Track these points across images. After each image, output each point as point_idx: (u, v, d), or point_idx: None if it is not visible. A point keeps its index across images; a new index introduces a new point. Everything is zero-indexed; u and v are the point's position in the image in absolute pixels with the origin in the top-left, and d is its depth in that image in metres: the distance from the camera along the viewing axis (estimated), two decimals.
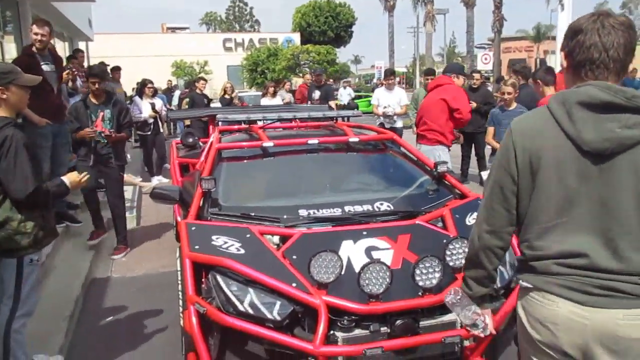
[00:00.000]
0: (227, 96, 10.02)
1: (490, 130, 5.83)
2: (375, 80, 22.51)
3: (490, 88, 22.91)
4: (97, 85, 5.00)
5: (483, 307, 1.94)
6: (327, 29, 38.55)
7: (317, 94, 9.46)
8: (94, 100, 5.08)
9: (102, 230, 5.42)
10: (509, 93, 5.63)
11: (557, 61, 16.77)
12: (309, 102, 9.40)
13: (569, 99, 1.57)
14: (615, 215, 1.53)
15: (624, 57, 1.56)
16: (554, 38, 27.63)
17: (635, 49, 1.64)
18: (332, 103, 9.27)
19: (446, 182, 3.71)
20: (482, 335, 2.04)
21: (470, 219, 3.21)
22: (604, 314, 1.53)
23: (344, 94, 16.51)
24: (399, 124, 8.21)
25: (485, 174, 4.75)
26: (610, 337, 1.53)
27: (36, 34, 4.92)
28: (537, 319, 1.66)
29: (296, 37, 37.20)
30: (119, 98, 10.26)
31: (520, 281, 1.73)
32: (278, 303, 2.55)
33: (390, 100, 8.10)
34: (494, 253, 1.77)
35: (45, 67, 4.99)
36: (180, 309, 3.05)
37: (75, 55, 8.50)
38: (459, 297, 1.91)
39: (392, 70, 9.50)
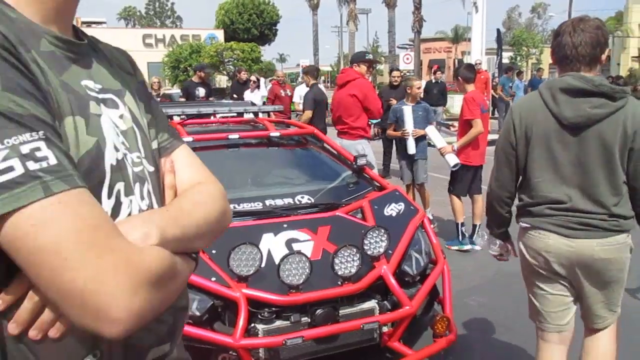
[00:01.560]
0: (153, 93, 9.59)
1: (392, 125, 5.88)
2: (300, 79, 22.70)
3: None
4: None
5: (507, 241, 2.50)
6: (251, 27, 38.22)
7: (201, 92, 9.06)
8: None
9: None
10: (418, 88, 5.79)
11: (472, 61, 17.60)
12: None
13: (554, 86, 2.12)
14: (587, 172, 2.08)
15: (591, 51, 2.07)
16: (470, 40, 29.00)
17: (607, 44, 2.15)
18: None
19: (365, 175, 3.81)
20: (506, 260, 2.57)
21: (388, 210, 3.32)
22: (584, 243, 2.10)
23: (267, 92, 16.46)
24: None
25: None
26: (589, 259, 2.11)
27: None
28: (534, 250, 2.23)
29: (220, 34, 36.57)
30: None
31: (521, 223, 2.30)
32: (197, 298, 2.51)
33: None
34: (503, 201, 2.34)
35: None
36: None
37: None
38: (486, 238, 2.49)
39: (312, 67, 9.32)
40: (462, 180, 5.11)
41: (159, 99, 9.85)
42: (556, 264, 2.17)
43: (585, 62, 2.09)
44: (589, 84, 2.04)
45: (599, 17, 2.29)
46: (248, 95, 9.81)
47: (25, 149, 0.65)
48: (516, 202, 2.36)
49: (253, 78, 10.14)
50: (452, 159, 4.95)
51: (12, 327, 0.71)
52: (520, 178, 2.29)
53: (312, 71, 7.86)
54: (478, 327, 3.48)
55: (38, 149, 0.66)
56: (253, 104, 6.10)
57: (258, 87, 9.86)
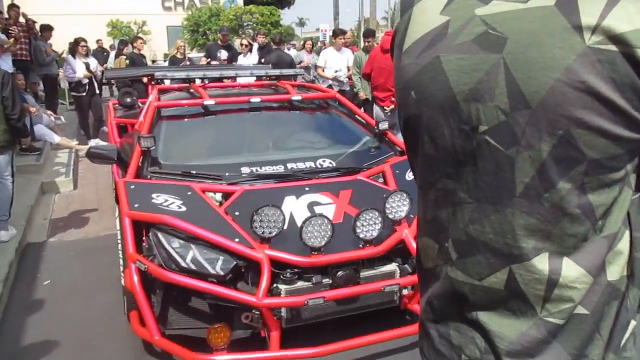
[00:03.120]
0: (179, 55, 9.39)
1: None
2: (319, 44, 22.26)
3: None
4: None
5: None
6: None
7: (223, 54, 8.92)
8: None
9: None
10: None
11: None
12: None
13: None
14: None
15: None
16: None
17: None
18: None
19: (387, 139, 3.78)
20: None
21: (410, 175, 3.31)
22: None
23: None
24: (347, 87, 7.79)
25: None
26: None
27: None
28: None
29: None
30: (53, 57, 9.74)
31: None
32: (221, 258, 2.56)
33: (340, 62, 7.80)
34: None
35: None
36: (121, 269, 3.01)
37: (2, 10, 7.96)
38: None
39: (342, 30, 8.95)
40: None
41: (187, 62, 9.73)
42: None
43: None
44: None
45: None
46: (241, 60, 8.89)
47: None
48: None
49: (244, 42, 9.09)
50: None
51: None
52: None
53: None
54: None
55: None
56: (274, 68, 6.05)
57: (250, 50, 8.97)
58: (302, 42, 11.44)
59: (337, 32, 8.39)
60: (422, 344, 0.94)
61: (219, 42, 9.63)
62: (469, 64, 0.74)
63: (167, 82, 4.62)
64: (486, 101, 0.72)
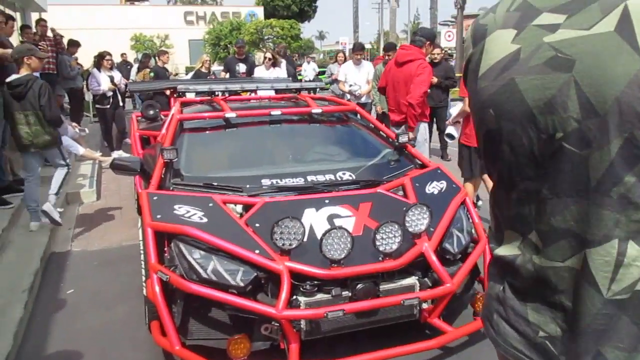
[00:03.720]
0: (204, 69, 9.43)
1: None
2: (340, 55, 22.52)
3: (453, 63, 23.05)
4: None
5: None
6: (291, 3, 38.04)
7: (242, 67, 8.99)
8: None
9: None
10: None
11: None
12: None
13: None
14: None
15: None
16: None
17: None
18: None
19: (407, 152, 3.79)
20: None
21: (430, 188, 3.31)
22: None
23: (309, 69, 16.36)
24: (364, 99, 7.87)
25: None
26: None
27: None
28: None
29: (259, 11, 36.57)
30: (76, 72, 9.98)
31: None
32: (241, 270, 2.58)
33: (359, 76, 7.79)
34: None
35: None
36: (143, 279, 3.05)
37: (31, 25, 8.19)
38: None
39: (362, 44, 9.03)
40: (463, 160, 4.97)
41: (212, 76, 9.87)
42: None
43: None
44: None
45: None
46: (262, 72, 8.64)
47: None
48: None
49: (268, 55, 8.99)
50: (451, 130, 4.73)
51: None
52: None
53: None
54: None
55: None
56: (294, 81, 6.11)
57: (274, 65, 8.74)
58: (335, 54, 11.32)
59: (357, 47, 8.41)
60: (490, 316, 1.08)
61: (235, 55, 9.76)
62: (542, 83, 0.89)
63: (189, 95, 4.70)
64: (560, 113, 0.87)
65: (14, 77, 4.61)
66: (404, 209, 2.84)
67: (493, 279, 1.10)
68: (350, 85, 7.79)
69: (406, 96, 4.88)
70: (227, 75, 9.12)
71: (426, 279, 2.81)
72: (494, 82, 0.96)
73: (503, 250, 1.06)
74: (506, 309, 1.04)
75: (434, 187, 3.31)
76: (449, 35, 25.29)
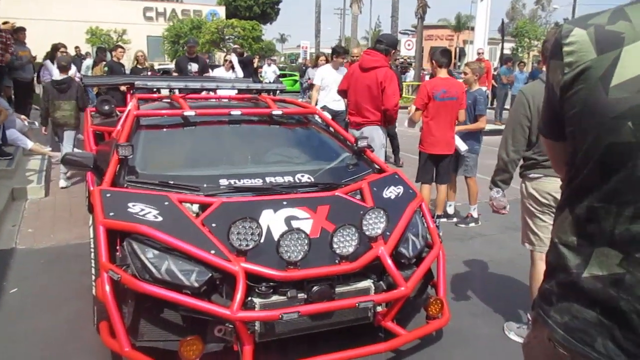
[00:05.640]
0: (139, 66, 9.29)
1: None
2: (300, 60, 22.39)
3: (411, 73, 23.39)
4: None
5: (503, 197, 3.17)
6: (253, 4, 37.87)
7: (194, 67, 8.86)
8: None
9: None
10: (465, 73, 5.50)
11: (474, 51, 17.54)
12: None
13: None
14: None
15: None
16: (472, 29, 28.76)
17: None
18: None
19: (365, 157, 3.82)
20: (505, 213, 3.21)
21: (387, 192, 3.34)
22: None
23: (269, 71, 16.33)
24: (338, 107, 7.07)
25: None
26: None
27: None
28: (546, 192, 2.98)
29: (221, 11, 36.19)
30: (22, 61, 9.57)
31: (532, 174, 3.04)
32: (196, 270, 2.54)
33: (337, 81, 6.68)
34: (515, 163, 3.09)
35: None
36: (93, 278, 2.95)
37: None
38: (500, 194, 3.15)
39: (344, 48, 8.26)
40: (422, 168, 5.17)
41: (149, 73, 9.65)
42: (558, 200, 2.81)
43: None
44: None
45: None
46: (221, 74, 8.74)
47: None
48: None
49: (228, 57, 9.15)
50: (459, 143, 5.11)
51: None
52: (531, 144, 2.99)
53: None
54: (470, 312, 3.53)
55: None
56: (254, 82, 6.08)
57: (232, 67, 8.87)
58: (314, 57, 10.35)
59: (339, 51, 7.60)
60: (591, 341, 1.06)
61: (187, 54, 9.57)
62: None
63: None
64: None
65: None
66: (361, 212, 2.86)
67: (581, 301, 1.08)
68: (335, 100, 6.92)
69: (368, 102, 4.91)
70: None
71: (381, 283, 2.83)
72: (638, 95, 0.96)
73: (596, 269, 1.05)
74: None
75: (391, 192, 3.36)
76: (409, 44, 25.74)
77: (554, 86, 1.12)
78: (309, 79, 9.48)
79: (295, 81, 21.04)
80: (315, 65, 10.11)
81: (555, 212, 1.24)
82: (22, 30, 9.57)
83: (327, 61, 9.40)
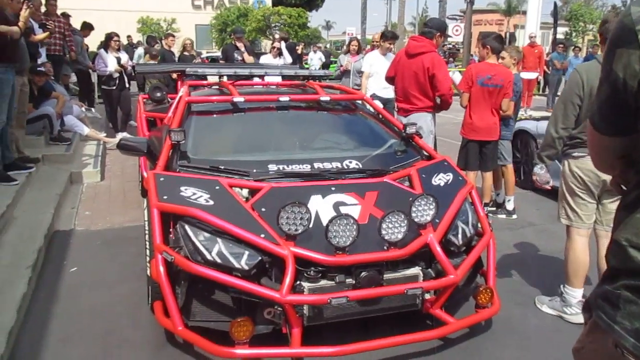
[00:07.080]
0: (186, 53, 9.45)
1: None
2: (345, 47, 22.21)
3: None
4: None
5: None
6: None
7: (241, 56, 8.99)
8: None
9: None
10: (503, 57, 5.21)
11: (525, 35, 16.97)
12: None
13: None
14: None
15: None
16: (524, 13, 27.82)
17: None
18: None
19: (414, 143, 3.78)
20: (548, 188, 3.52)
21: (436, 179, 3.30)
22: None
23: (315, 58, 16.28)
24: (388, 95, 6.66)
25: None
26: None
27: None
28: (589, 170, 3.01)
29: None
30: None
31: (576, 153, 3.07)
32: (246, 253, 2.58)
33: (386, 66, 6.37)
34: (562, 139, 3.11)
35: None
36: (147, 259, 3.06)
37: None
38: (544, 170, 3.26)
39: (393, 32, 7.88)
40: (460, 153, 5.08)
41: (197, 60, 9.79)
42: (604, 178, 2.90)
43: None
44: None
45: None
46: (268, 61, 8.87)
47: None
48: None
49: (276, 44, 9.13)
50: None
51: None
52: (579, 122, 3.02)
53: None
54: (518, 302, 3.46)
55: None
56: (301, 68, 6.09)
57: (280, 54, 8.94)
58: (348, 44, 9.88)
59: (388, 35, 7.30)
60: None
61: (234, 43, 9.63)
62: None
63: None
64: None
65: None
66: (410, 199, 2.84)
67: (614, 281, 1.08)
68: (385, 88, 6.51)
69: (415, 88, 4.84)
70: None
71: (430, 270, 2.81)
72: None
73: None
74: None
75: (440, 179, 3.31)
76: (457, 30, 25.16)
77: (628, 78, 1.02)
78: (341, 65, 9.21)
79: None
80: (348, 51, 9.56)
81: (620, 213, 1.15)
82: (89, 27, 10.13)
83: (359, 46, 9.23)
